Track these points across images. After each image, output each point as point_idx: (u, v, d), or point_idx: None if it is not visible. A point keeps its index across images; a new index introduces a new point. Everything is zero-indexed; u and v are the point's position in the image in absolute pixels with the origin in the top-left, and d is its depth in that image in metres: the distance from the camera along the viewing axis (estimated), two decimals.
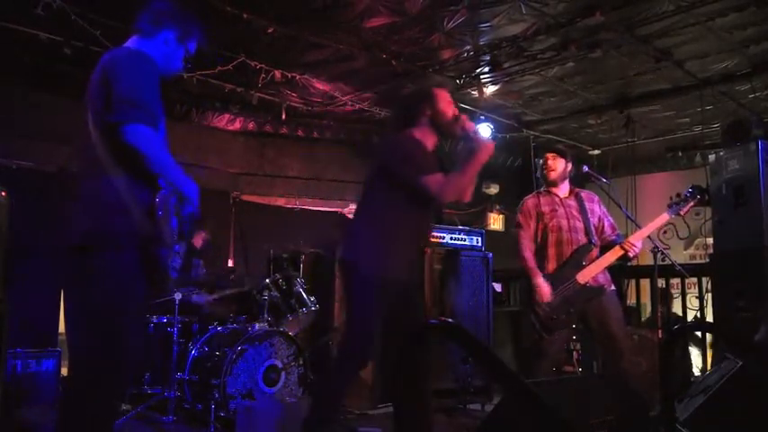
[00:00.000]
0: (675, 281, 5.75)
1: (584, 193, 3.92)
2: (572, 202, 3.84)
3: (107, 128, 2.18)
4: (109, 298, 2.19)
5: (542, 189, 3.94)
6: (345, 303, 2.97)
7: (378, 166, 2.99)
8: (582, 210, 3.82)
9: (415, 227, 2.94)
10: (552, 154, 3.90)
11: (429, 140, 2.99)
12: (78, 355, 2.25)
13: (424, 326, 2.30)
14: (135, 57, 2.30)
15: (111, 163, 2.19)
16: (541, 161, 3.93)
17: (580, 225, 3.78)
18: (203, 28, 2.52)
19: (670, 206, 3.81)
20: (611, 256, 3.70)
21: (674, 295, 5.62)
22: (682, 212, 3.79)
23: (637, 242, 3.67)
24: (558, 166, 3.86)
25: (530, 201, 3.90)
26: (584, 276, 3.63)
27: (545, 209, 3.81)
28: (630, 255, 3.68)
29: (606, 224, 3.88)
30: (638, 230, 3.75)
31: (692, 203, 3.80)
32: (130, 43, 2.43)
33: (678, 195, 3.84)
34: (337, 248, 3.12)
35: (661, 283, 5.33)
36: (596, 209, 3.90)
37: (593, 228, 3.80)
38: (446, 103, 2.98)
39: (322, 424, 2.79)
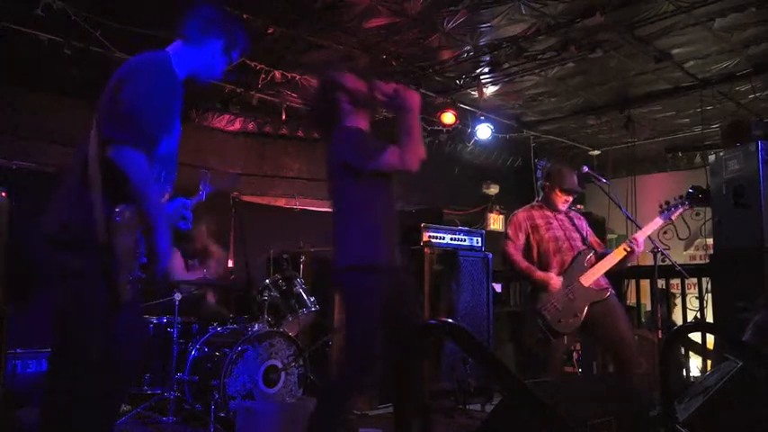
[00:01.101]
0: (675, 281, 5.76)
1: (573, 214, 3.99)
2: (563, 217, 3.89)
3: (104, 137, 2.16)
4: (71, 298, 2.18)
5: (535, 203, 3.97)
6: (345, 311, 2.86)
7: (334, 167, 2.93)
8: (573, 224, 3.89)
9: (387, 211, 2.89)
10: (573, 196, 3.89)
11: (362, 123, 2.91)
12: (53, 355, 2.28)
13: (424, 326, 2.31)
14: (154, 71, 2.26)
15: (98, 167, 2.16)
16: (560, 171, 3.84)
17: (576, 235, 3.83)
18: (247, 38, 2.49)
19: (661, 212, 3.84)
20: (614, 258, 3.69)
21: (676, 294, 5.62)
22: (673, 218, 3.82)
23: (639, 238, 3.69)
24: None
25: (521, 214, 3.90)
26: (587, 279, 3.64)
27: (539, 222, 3.84)
28: (636, 249, 3.68)
29: (593, 241, 3.92)
30: (638, 231, 3.75)
31: (681, 210, 3.82)
32: (173, 49, 2.38)
33: (667, 203, 3.87)
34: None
35: (661, 283, 5.33)
36: (584, 226, 3.97)
37: (586, 237, 3.87)
38: (354, 81, 2.89)
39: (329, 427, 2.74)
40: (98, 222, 2.12)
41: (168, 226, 2.26)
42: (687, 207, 3.85)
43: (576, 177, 3.90)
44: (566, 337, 3.72)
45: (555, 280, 3.62)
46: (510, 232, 3.88)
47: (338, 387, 2.75)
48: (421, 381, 2.96)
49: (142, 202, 2.17)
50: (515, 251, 3.80)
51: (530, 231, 3.82)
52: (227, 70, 2.52)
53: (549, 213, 3.87)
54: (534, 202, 3.99)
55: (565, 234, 3.80)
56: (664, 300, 5.55)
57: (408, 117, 2.73)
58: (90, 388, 2.19)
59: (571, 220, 3.91)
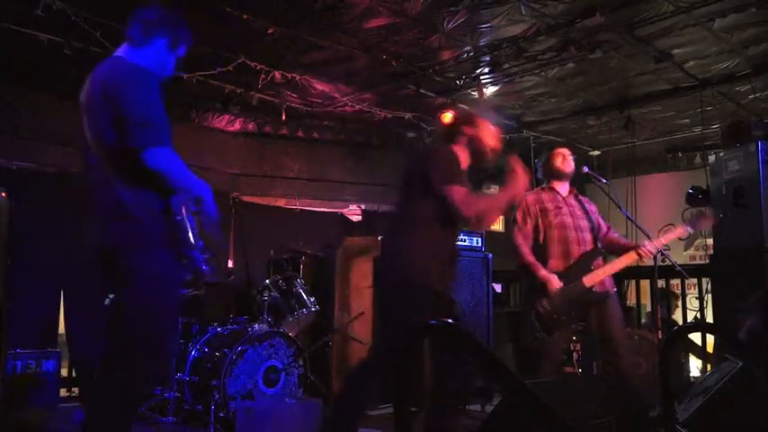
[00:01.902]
0: (675, 282, 5.76)
1: (582, 197, 3.90)
2: (573, 202, 3.79)
3: (124, 151, 2.21)
4: (148, 299, 2.24)
5: (544, 185, 3.86)
6: (382, 312, 3.05)
7: (414, 173, 3.06)
8: (584, 210, 3.79)
9: (442, 239, 2.97)
10: (567, 150, 3.88)
11: (464, 160, 3.09)
12: (113, 359, 2.27)
13: (424, 326, 2.30)
14: (137, 73, 2.31)
15: (123, 178, 2.24)
16: (557, 157, 3.82)
17: (585, 224, 3.72)
18: (191, 30, 2.55)
19: (686, 221, 3.78)
20: (622, 263, 3.65)
21: (677, 295, 5.61)
22: (701, 228, 3.77)
23: (653, 249, 3.64)
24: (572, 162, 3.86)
25: (530, 197, 3.77)
26: (591, 280, 3.57)
27: (548, 206, 3.72)
28: (644, 260, 3.67)
29: (601, 222, 3.86)
30: (656, 239, 3.65)
31: (709, 221, 3.78)
32: (122, 52, 2.44)
33: (696, 213, 3.86)
34: (377, 256, 3.23)
35: (661, 283, 5.33)
36: (594, 210, 3.88)
37: (596, 227, 3.79)
38: (486, 132, 3.15)
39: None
40: (156, 222, 2.23)
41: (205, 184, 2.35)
42: (713, 219, 3.80)
43: (566, 159, 3.83)
44: (563, 336, 3.70)
45: (555, 284, 3.53)
46: (518, 217, 3.75)
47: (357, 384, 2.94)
48: (439, 381, 3.00)
49: (183, 185, 2.26)
50: (524, 241, 3.69)
51: (538, 215, 3.71)
52: (178, 66, 2.58)
53: (558, 196, 3.77)
54: (544, 185, 3.88)
55: (573, 222, 3.69)
56: (665, 300, 5.54)
57: (506, 194, 3.02)
58: (145, 387, 2.27)
59: (582, 205, 3.81)
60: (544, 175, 3.89)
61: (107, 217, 2.30)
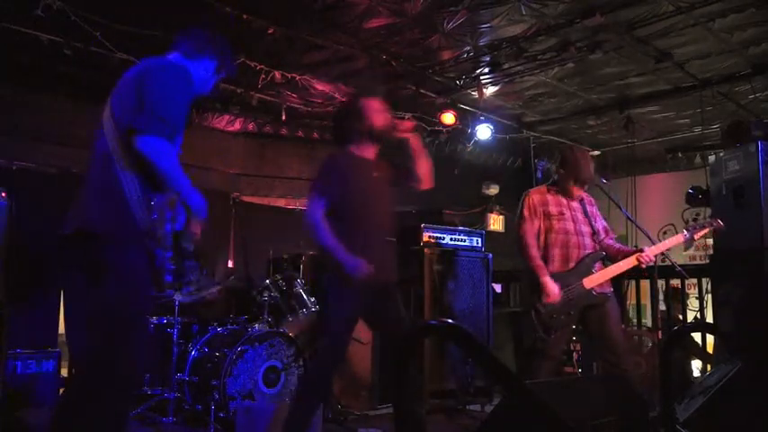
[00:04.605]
0: (675, 282, 5.75)
1: (585, 197, 3.87)
2: (576, 205, 3.78)
3: (127, 129, 2.21)
4: (121, 294, 2.20)
5: (550, 186, 3.81)
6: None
7: None
8: (585, 213, 3.78)
9: (355, 233, 3.06)
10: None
11: (368, 152, 3.21)
12: (85, 355, 2.25)
13: (424, 326, 2.31)
14: (176, 70, 2.37)
15: (123, 158, 2.23)
16: (589, 163, 3.76)
17: (586, 229, 3.72)
18: (235, 61, 2.63)
19: (687, 228, 3.77)
20: (623, 267, 3.64)
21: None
22: (696, 237, 3.75)
23: (652, 256, 3.62)
24: None
25: (536, 197, 3.74)
26: (591, 282, 3.57)
27: (552, 209, 3.69)
28: (643, 267, 3.66)
29: (600, 227, 3.85)
30: (655, 245, 3.65)
31: (707, 229, 3.77)
32: (174, 58, 2.51)
33: (695, 220, 3.83)
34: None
35: (661, 283, 5.31)
36: (594, 212, 3.87)
37: (597, 232, 3.77)
38: (376, 113, 3.17)
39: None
40: (138, 210, 2.19)
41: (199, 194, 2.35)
42: (715, 227, 3.78)
43: (592, 164, 3.79)
44: (563, 336, 3.70)
45: (555, 293, 3.49)
46: (525, 213, 3.71)
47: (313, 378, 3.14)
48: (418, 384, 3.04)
49: (171, 183, 2.24)
50: (533, 239, 3.65)
51: (542, 217, 3.69)
52: (215, 88, 2.67)
53: (563, 200, 3.74)
54: (549, 184, 3.82)
55: (575, 227, 3.68)
56: (680, 300, 5.47)
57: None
58: (124, 387, 2.20)
59: (584, 208, 3.79)
60: (565, 177, 3.76)
61: (91, 197, 2.27)
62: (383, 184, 3.25)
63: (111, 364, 2.16)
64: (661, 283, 5.53)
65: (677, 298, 5.55)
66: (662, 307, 5.77)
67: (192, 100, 2.46)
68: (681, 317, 5.39)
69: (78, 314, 2.33)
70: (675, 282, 5.34)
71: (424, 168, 3.23)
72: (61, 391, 4.62)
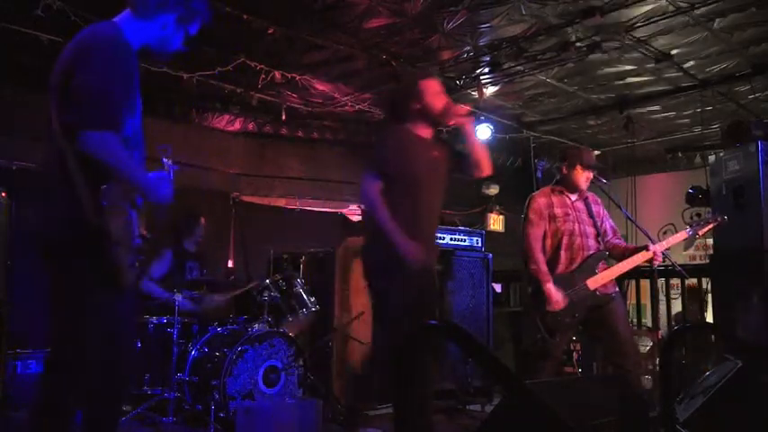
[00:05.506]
0: (675, 281, 5.75)
1: (590, 196, 3.85)
2: (581, 206, 3.75)
3: (65, 126, 2.05)
4: (67, 305, 2.11)
5: (555, 187, 3.78)
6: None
7: None
8: (590, 214, 3.75)
9: (408, 212, 2.93)
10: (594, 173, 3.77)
11: (423, 132, 3.09)
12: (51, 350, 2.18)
13: (424, 326, 2.31)
14: (108, 47, 2.11)
15: (70, 159, 2.04)
16: (578, 148, 3.78)
17: (591, 230, 3.70)
18: (208, 8, 2.37)
19: (690, 225, 3.76)
20: (627, 265, 3.62)
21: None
22: (700, 233, 3.74)
23: (659, 250, 3.60)
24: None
25: (541, 200, 3.71)
26: (595, 283, 3.55)
27: (558, 211, 3.67)
28: (655, 264, 3.65)
29: (608, 226, 3.83)
30: (660, 243, 3.63)
31: (711, 225, 3.76)
32: (120, 20, 2.24)
33: (699, 215, 3.82)
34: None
35: (693, 282, 5.28)
36: (600, 211, 3.84)
37: (601, 233, 3.75)
38: (434, 95, 3.07)
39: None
40: (84, 208, 2.02)
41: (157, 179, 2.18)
42: (718, 222, 3.78)
43: (593, 154, 3.78)
44: (565, 337, 3.70)
45: (559, 301, 3.47)
46: (532, 217, 3.67)
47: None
48: (428, 382, 2.98)
49: (124, 179, 2.08)
50: (539, 243, 3.62)
51: (548, 219, 3.66)
52: (188, 42, 2.38)
53: (567, 201, 3.72)
54: (553, 185, 3.79)
55: (580, 228, 3.65)
56: (695, 298, 5.41)
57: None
58: (75, 389, 2.11)
59: (589, 208, 3.75)
60: (569, 167, 3.73)
61: (45, 199, 2.14)
62: (441, 165, 3.12)
63: (67, 370, 2.08)
64: (661, 282, 5.54)
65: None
66: (671, 307, 5.76)
67: (139, 67, 2.22)
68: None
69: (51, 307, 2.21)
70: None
71: (482, 155, 3.12)
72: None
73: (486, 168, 3.15)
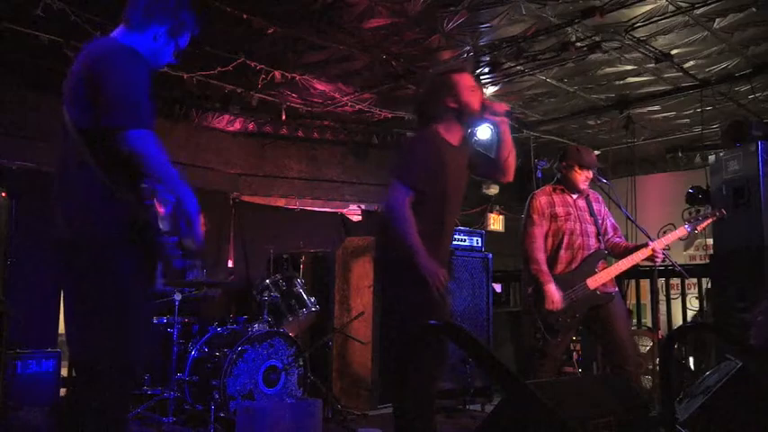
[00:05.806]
0: (675, 281, 5.75)
1: (591, 194, 3.82)
2: (582, 204, 3.74)
3: (99, 131, 2.08)
4: (109, 295, 2.13)
5: (555, 185, 3.77)
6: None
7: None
8: (591, 212, 3.74)
9: (428, 223, 2.78)
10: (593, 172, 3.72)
11: (454, 135, 2.89)
12: (85, 357, 2.16)
13: (424, 327, 2.31)
14: (126, 53, 2.18)
15: (95, 162, 2.10)
16: (581, 174, 3.70)
17: (592, 229, 3.68)
18: (198, 19, 2.38)
19: (689, 221, 3.72)
20: (628, 264, 3.60)
21: (674, 296, 5.58)
22: (699, 228, 3.71)
23: (659, 248, 3.57)
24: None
25: (543, 198, 3.69)
26: (595, 282, 3.54)
27: (559, 210, 3.65)
28: (657, 262, 3.63)
29: (609, 225, 3.82)
30: (659, 240, 3.61)
31: (710, 220, 3.73)
32: (117, 35, 2.29)
33: (698, 211, 3.80)
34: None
35: (661, 283, 5.31)
36: (602, 210, 3.83)
37: (602, 232, 3.74)
38: (470, 92, 2.86)
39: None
40: (131, 207, 2.09)
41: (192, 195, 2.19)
42: (717, 217, 3.75)
43: (593, 154, 3.75)
44: (564, 337, 3.69)
45: (558, 301, 3.46)
46: (533, 216, 3.64)
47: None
48: (432, 383, 2.95)
49: (164, 178, 2.11)
50: (541, 243, 3.59)
51: (549, 219, 3.64)
52: (178, 56, 2.39)
53: (569, 199, 3.69)
54: (554, 184, 3.77)
55: (581, 228, 3.64)
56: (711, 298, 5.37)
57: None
58: (124, 387, 2.15)
59: (590, 206, 3.73)
60: (569, 167, 3.71)
61: (72, 206, 2.16)
62: (465, 173, 2.95)
63: (107, 366, 2.10)
64: (661, 282, 5.53)
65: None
66: (671, 307, 5.75)
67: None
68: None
69: (75, 317, 2.24)
70: (674, 281, 5.33)
71: (510, 158, 2.95)
72: (62, 391, 4.64)
73: (511, 174, 3.00)
